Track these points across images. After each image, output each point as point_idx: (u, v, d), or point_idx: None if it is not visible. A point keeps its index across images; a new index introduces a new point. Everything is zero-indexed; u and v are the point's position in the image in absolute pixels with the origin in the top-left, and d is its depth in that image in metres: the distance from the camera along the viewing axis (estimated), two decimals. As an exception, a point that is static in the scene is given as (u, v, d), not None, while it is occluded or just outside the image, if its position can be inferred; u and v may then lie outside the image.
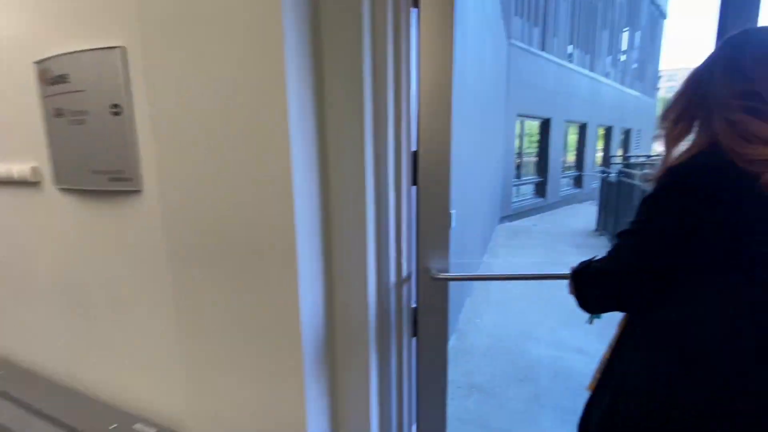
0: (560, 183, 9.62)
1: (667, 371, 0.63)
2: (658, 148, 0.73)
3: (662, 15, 16.75)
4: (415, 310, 1.12)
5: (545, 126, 8.77)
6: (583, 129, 10.64)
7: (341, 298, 0.98)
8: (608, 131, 12.48)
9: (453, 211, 1.06)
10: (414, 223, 1.06)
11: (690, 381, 0.61)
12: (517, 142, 8.07)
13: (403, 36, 0.92)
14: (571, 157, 10.57)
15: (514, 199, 8.05)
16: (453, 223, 1.07)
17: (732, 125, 0.59)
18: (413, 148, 1.02)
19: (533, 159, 8.91)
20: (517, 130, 7.90)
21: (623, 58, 13.14)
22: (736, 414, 0.59)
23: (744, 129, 0.58)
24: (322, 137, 0.88)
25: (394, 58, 0.92)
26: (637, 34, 14.02)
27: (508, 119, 7.26)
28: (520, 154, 8.21)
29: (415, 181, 1.04)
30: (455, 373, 2.34)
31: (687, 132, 0.67)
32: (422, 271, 1.07)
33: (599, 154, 11.98)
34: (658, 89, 16.99)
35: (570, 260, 0.81)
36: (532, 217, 8.45)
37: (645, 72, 15.60)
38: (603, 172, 6.55)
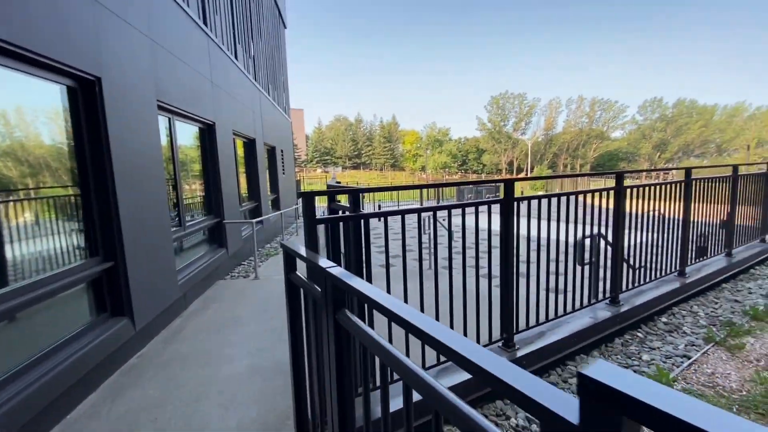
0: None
1: None
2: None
3: (283, 24, 16.36)
4: None
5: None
6: (210, 130, 7.14)
7: None
8: (251, 144, 9.80)
9: None
10: None
11: None
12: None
13: None
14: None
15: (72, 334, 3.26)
16: None
17: None
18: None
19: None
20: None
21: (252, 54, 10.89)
22: None
23: None
24: None
25: None
26: (261, 40, 12.30)
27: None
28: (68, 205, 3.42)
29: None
30: None
31: None
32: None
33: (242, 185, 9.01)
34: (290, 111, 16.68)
35: None
36: (149, 347, 3.98)
37: (276, 80, 14.49)
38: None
